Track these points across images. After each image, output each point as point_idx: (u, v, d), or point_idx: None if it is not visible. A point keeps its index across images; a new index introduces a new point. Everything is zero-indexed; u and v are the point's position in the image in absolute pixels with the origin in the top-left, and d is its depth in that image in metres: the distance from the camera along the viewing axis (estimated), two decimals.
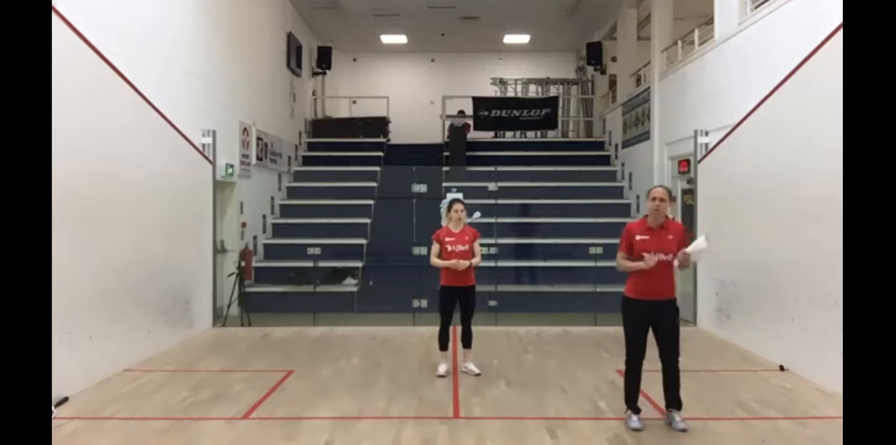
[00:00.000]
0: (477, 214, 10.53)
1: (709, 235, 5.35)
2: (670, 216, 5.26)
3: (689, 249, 5.07)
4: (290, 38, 14.38)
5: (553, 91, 17.87)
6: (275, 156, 13.10)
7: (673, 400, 5.19)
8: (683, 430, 5.03)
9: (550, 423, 5.27)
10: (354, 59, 19.52)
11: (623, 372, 5.36)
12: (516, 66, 19.15)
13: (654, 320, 5.13)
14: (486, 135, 16.72)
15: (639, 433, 5.03)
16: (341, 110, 18.82)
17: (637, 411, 5.20)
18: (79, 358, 6.02)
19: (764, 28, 7.95)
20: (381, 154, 15.81)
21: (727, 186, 8.72)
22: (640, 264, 5.07)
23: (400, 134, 17.13)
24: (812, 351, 6.51)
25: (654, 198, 5.13)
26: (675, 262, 5.11)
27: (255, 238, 11.95)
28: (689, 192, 10.09)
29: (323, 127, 16.80)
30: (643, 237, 5.12)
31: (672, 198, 5.29)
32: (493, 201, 11.93)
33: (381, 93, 17.70)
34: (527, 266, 12.03)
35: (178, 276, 8.35)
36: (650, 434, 5.03)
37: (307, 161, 15.45)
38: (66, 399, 5.70)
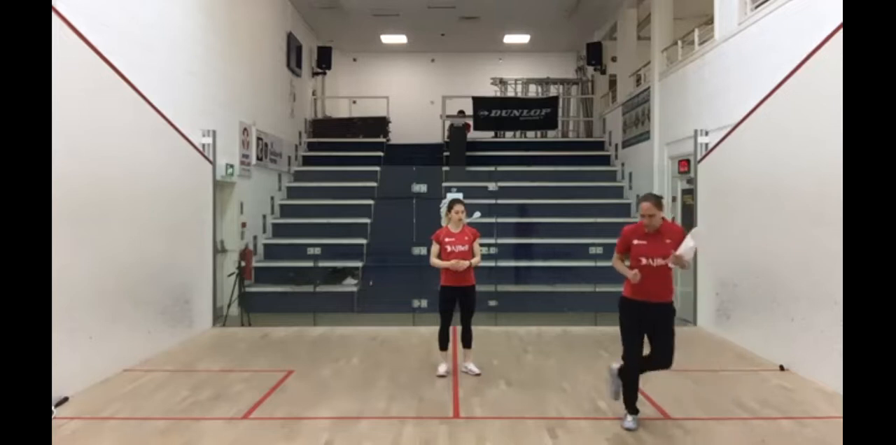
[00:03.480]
0: (477, 214, 10.52)
1: (697, 232, 5.27)
2: (669, 218, 5.22)
3: (679, 251, 5.02)
4: (290, 38, 14.38)
5: (553, 91, 17.87)
6: (275, 156, 13.11)
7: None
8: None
9: (550, 423, 5.27)
10: (354, 59, 19.52)
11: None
12: (516, 66, 19.15)
13: (649, 321, 5.13)
14: (486, 135, 16.72)
15: (639, 433, 5.03)
16: (341, 110, 18.82)
17: (635, 412, 5.20)
18: (79, 358, 6.01)
19: (764, 28, 7.94)
20: (381, 154, 15.82)
21: (727, 186, 8.72)
22: (628, 274, 5.11)
23: (400, 134, 17.13)
24: (812, 351, 6.50)
25: (643, 216, 5.12)
26: (670, 264, 5.09)
27: (255, 238, 11.95)
28: (689, 192, 10.09)
29: (323, 127, 16.80)
30: (640, 241, 5.13)
31: (660, 205, 5.16)
32: (493, 201, 11.92)
33: (381, 93, 17.71)
34: (527, 266, 12.03)
35: (178, 276, 8.35)
36: (650, 434, 5.03)
37: (307, 161, 15.45)
38: (66, 399, 5.70)
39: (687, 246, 4.99)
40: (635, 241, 5.14)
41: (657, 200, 5.18)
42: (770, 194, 7.46)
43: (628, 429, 5.07)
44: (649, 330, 5.16)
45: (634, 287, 5.14)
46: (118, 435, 5.01)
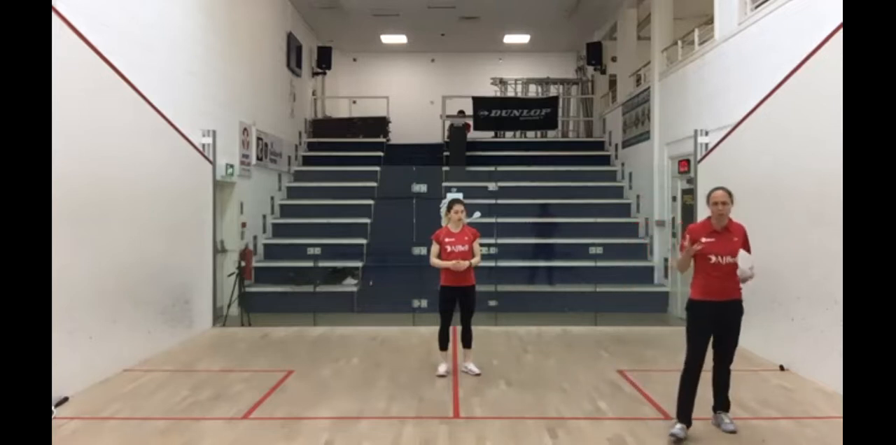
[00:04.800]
0: (477, 214, 10.53)
1: (743, 256, 5.05)
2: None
3: (740, 272, 4.96)
4: (290, 38, 14.38)
5: (553, 91, 17.87)
6: (275, 156, 13.11)
7: (723, 403, 5.14)
8: (733, 432, 4.98)
9: (550, 423, 5.27)
10: (354, 59, 19.52)
11: (625, 374, 5.33)
12: (516, 66, 19.14)
13: (719, 321, 5.00)
14: (486, 135, 16.72)
15: (639, 433, 5.02)
16: (341, 110, 18.82)
17: (688, 422, 4.94)
18: (79, 358, 6.02)
19: (764, 28, 7.94)
20: (381, 154, 15.82)
21: (727, 186, 8.69)
22: (689, 251, 4.95)
23: (400, 134, 17.14)
24: (812, 351, 6.50)
25: (715, 203, 5.01)
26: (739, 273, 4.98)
27: (255, 238, 11.95)
28: (689, 192, 10.09)
29: (323, 127, 16.81)
30: (709, 239, 4.98)
31: (732, 198, 5.11)
32: (493, 201, 11.93)
33: (381, 93, 17.70)
34: (527, 265, 12.03)
35: (178, 276, 8.35)
36: (650, 434, 5.02)
37: (307, 161, 15.45)
38: (66, 399, 5.70)
39: (745, 263, 4.96)
40: (703, 239, 4.98)
41: (730, 192, 5.08)
42: (770, 194, 7.45)
43: (674, 436, 4.83)
44: (719, 331, 5.03)
45: (704, 287, 5.01)
46: (118, 435, 5.01)
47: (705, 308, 5.00)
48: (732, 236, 5.02)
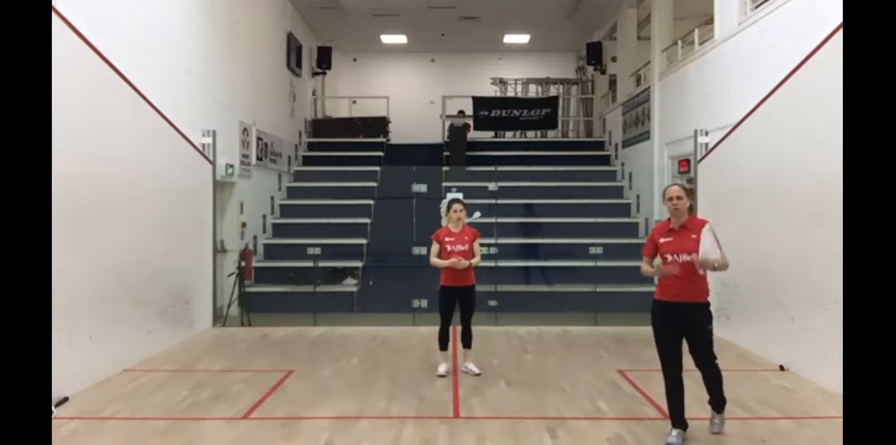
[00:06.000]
0: (477, 214, 10.53)
1: (706, 229, 4.84)
2: (696, 214, 5.04)
3: (700, 255, 4.75)
4: (290, 38, 14.38)
5: (553, 91, 17.88)
6: (275, 156, 13.11)
7: (717, 402, 5.02)
8: (716, 433, 4.96)
9: (550, 423, 5.27)
10: (354, 59, 19.53)
11: (625, 374, 5.33)
12: (516, 65, 19.16)
13: (682, 323, 4.89)
14: (486, 135, 16.73)
15: (639, 433, 5.03)
16: (341, 110, 18.83)
17: (682, 426, 4.87)
18: (79, 358, 6.02)
19: (764, 28, 7.95)
20: (381, 154, 15.83)
21: (727, 186, 8.72)
22: (649, 270, 4.95)
23: (400, 134, 17.14)
24: (812, 351, 6.50)
25: (670, 198, 4.93)
26: (699, 271, 4.82)
27: (255, 238, 11.95)
28: (690, 192, 10.09)
29: (323, 127, 16.82)
30: (666, 239, 4.92)
31: (689, 193, 5.03)
32: (493, 201, 11.93)
33: (381, 93, 17.72)
34: (527, 265, 12.03)
35: (178, 276, 8.35)
36: (650, 434, 5.03)
37: (307, 161, 15.46)
38: (66, 399, 5.70)
39: (704, 246, 4.74)
40: (661, 240, 4.93)
41: (686, 187, 5.03)
42: (770, 194, 7.46)
43: None
44: (686, 333, 4.90)
45: (665, 287, 4.93)
46: (118, 435, 5.01)
47: (665, 307, 4.93)
48: (690, 233, 4.87)
